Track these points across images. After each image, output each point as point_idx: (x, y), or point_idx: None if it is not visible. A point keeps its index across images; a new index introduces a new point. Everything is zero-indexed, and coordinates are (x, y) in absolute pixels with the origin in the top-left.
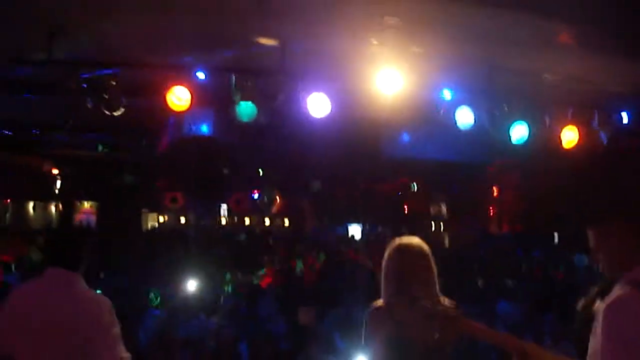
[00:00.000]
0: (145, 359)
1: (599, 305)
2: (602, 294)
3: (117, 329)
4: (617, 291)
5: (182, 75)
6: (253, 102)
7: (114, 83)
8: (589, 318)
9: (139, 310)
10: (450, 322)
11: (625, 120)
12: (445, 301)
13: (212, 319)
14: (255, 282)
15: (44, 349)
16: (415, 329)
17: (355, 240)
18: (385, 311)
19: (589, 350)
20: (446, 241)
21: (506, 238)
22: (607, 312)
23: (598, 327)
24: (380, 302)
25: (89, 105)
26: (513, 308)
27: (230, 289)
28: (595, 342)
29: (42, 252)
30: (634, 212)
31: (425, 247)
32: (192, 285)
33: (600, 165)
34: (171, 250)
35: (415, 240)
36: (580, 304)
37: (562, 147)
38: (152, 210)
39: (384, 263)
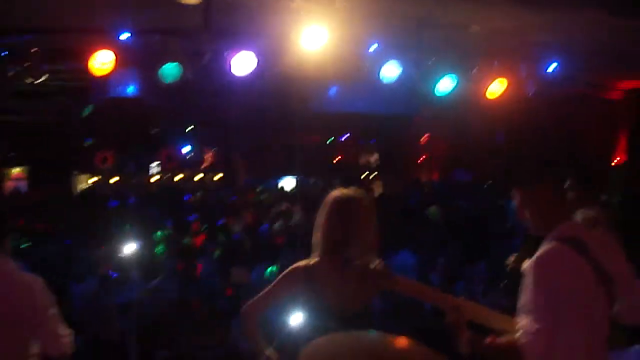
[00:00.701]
0: (82, 328)
1: (528, 263)
2: (530, 252)
3: (53, 309)
4: (544, 247)
5: (105, 38)
6: (178, 62)
7: (36, 49)
8: (518, 274)
9: (73, 278)
10: (382, 282)
11: (551, 70)
12: (377, 262)
13: (149, 282)
14: (186, 241)
15: None
16: (340, 295)
17: (288, 193)
18: (307, 273)
19: (518, 304)
20: (376, 191)
21: (437, 186)
22: (534, 266)
23: (526, 281)
24: (310, 260)
25: (10, 74)
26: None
27: (162, 249)
28: (524, 296)
29: None
30: (559, 172)
31: (367, 199)
32: (128, 248)
33: (526, 119)
34: (103, 213)
35: (354, 192)
36: (510, 260)
37: (489, 98)
38: (82, 172)
39: (319, 218)
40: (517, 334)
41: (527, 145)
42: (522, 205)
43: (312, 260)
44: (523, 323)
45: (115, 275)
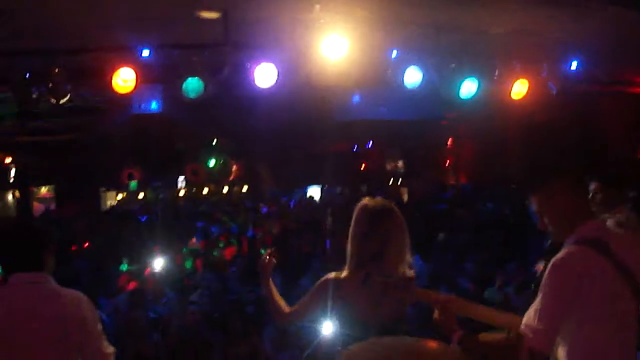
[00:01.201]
0: (116, 343)
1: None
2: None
3: (99, 324)
4: (563, 250)
5: (126, 55)
6: (199, 77)
7: (58, 70)
8: None
9: (104, 294)
10: (409, 296)
11: (574, 68)
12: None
13: (180, 297)
14: (216, 254)
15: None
16: (372, 308)
17: (316, 202)
18: (337, 286)
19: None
20: (405, 196)
21: (464, 189)
22: (550, 269)
23: (542, 282)
24: (342, 272)
25: (34, 96)
26: (475, 262)
27: (190, 263)
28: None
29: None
30: (575, 173)
31: (397, 209)
32: (158, 263)
33: (549, 118)
34: (133, 229)
35: (388, 203)
36: (539, 267)
37: (512, 99)
38: (110, 189)
39: (355, 228)
40: (520, 328)
41: (548, 146)
42: (539, 208)
43: (344, 272)
44: (527, 319)
45: (145, 290)
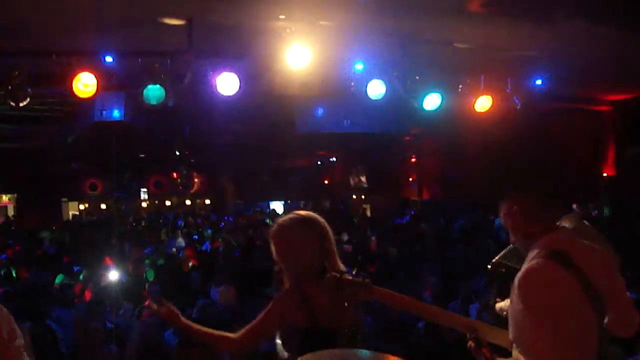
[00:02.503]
0: (69, 355)
1: (516, 277)
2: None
3: (18, 341)
4: (530, 261)
5: (88, 61)
6: (161, 84)
7: (17, 73)
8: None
9: (61, 304)
10: (360, 289)
11: (539, 83)
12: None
13: (137, 308)
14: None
15: None
16: (329, 312)
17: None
18: (294, 295)
19: (509, 315)
20: (368, 211)
21: (427, 204)
22: (520, 282)
23: (513, 295)
24: (293, 284)
25: None
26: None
27: (152, 274)
28: (512, 308)
29: None
30: (543, 184)
31: (320, 218)
32: (116, 274)
33: (513, 133)
34: (94, 239)
35: (307, 213)
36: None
37: (476, 113)
38: (71, 199)
39: (279, 241)
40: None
41: (513, 159)
42: (506, 215)
43: (292, 283)
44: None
45: (103, 300)
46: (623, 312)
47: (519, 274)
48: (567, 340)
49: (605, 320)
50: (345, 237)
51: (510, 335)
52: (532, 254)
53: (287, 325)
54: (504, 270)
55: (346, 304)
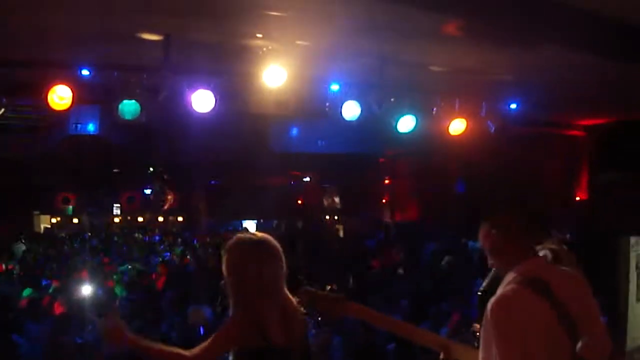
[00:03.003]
0: None
1: (489, 302)
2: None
3: None
4: (505, 286)
5: (64, 73)
6: (136, 99)
7: None
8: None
9: (30, 317)
10: (336, 305)
11: (513, 107)
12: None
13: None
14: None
15: None
16: (285, 333)
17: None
18: (249, 319)
19: (481, 340)
20: (341, 232)
21: (400, 226)
22: (493, 307)
23: (485, 319)
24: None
25: None
26: (408, 299)
27: (121, 290)
28: (483, 331)
29: None
30: (519, 208)
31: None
32: (86, 289)
33: (487, 157)
34: (64, 253)
35: (264, 235)
36: (480, 289)
37: (449, 136)
38: (43, 212)
39: (234, 261)
40: None
41: (490, 181)
42: (483, 241)
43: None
44: None
45: (72, 315)
46: (596, 338)
47: (492, 299)
48: None
49: (578, 346)
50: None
51: (480, 357)
52: (508, 278)
53: (240, 344)
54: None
55: (300, 322)
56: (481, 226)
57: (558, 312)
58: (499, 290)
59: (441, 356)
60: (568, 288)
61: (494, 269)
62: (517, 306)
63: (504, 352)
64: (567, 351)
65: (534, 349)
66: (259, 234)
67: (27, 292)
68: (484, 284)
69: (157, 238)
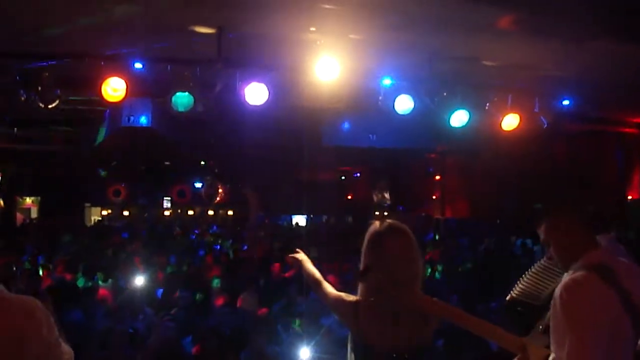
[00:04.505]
0: (89, 355)
1: (556, 290)
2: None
3: (56, 331)
4: (570, 274)
5: (118, 66)
6: (190, 92)
7: (47, 75)
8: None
9: (82, 308)
10: (426, 303)
11: (566, 103)
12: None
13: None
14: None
15: None
16: (390, 337)
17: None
18: (355, 310)
19: (552, 334)
20: None
21: (451, 223)
22: (562, 293)
23: (553, 308)
24: (359, 298)
25: (22, 99)
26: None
27: (173, 281)
28: (554, 322)
29: None
30: (578, 202)
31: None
32: (139, 280)
33: (542, 153)
34: (116, 245)
35: (403, 225)
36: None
37: (502, 131)
38: (95, 204)
39: (370, 248)
40: None
41: (542, 180)
42: (545, 238)
43: (360, 298)
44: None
45: (125, 305)
46: None
47: (560, 286)
48: (605, 355)
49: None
50: None
51: (552, 348)
52: (573, 269)
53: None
54: (520, 309)
55: (422, 330)
56: (544, 221)
57: (624, 301)
58: (563, 282)
59: (518, 357)
60: (632, 278)
61: (523, 276)
62: (586, 290)
63: (578, 336)
64: (629, 341)
65: (602, 334)
66: (389, 223)
67: (80, 282)
68: (515, 290)
69: (214, 228)
